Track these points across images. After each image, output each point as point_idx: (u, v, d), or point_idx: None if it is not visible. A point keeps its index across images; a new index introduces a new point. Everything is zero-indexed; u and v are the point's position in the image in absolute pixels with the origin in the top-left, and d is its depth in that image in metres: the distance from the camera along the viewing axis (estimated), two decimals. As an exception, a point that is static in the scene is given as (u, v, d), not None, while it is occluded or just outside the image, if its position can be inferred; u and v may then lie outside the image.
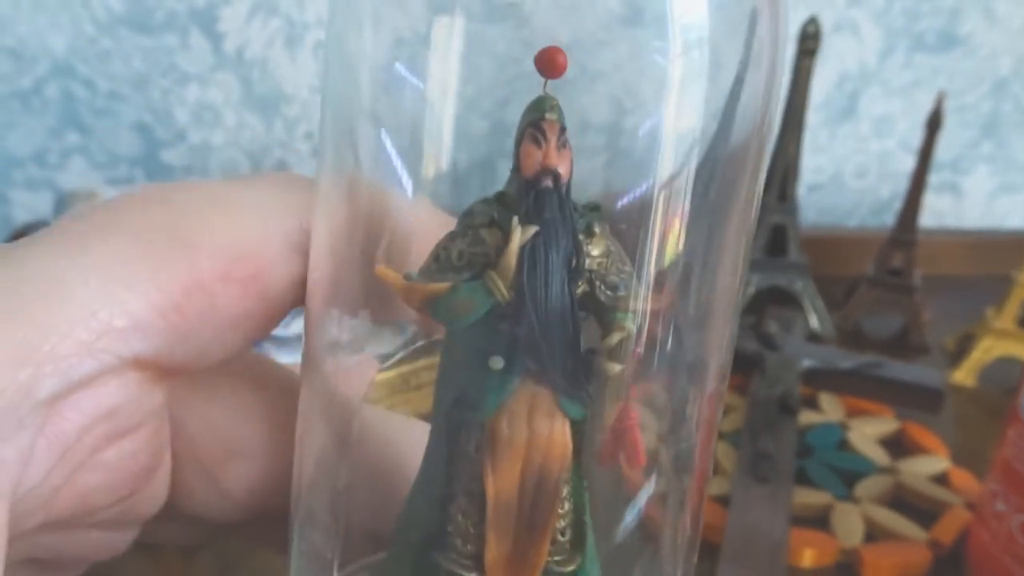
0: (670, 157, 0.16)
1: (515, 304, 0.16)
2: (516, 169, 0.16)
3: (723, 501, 0.53)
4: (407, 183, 0.18)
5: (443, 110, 0.17)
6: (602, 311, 0.17)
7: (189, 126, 0.87)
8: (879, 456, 0.60)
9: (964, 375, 0.72)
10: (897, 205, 0.78)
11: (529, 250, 0.16)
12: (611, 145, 0.17)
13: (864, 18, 0.94)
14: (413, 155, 0.18)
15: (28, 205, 0.87)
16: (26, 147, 0.85)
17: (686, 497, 0.19)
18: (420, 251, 0.17)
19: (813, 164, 0.97)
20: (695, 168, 0.17)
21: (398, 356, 0.20)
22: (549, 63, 0.15)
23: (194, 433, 0.20)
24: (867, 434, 0.62)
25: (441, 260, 0.17)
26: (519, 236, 0.16)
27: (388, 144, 0.18)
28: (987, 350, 0.72)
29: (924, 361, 0.76)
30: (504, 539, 0.17)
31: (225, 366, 0.20)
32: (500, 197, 0.17)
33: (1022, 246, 0.88)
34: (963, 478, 0.58)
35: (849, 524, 0.53)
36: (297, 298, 0.19)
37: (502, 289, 0.16)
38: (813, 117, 0.90)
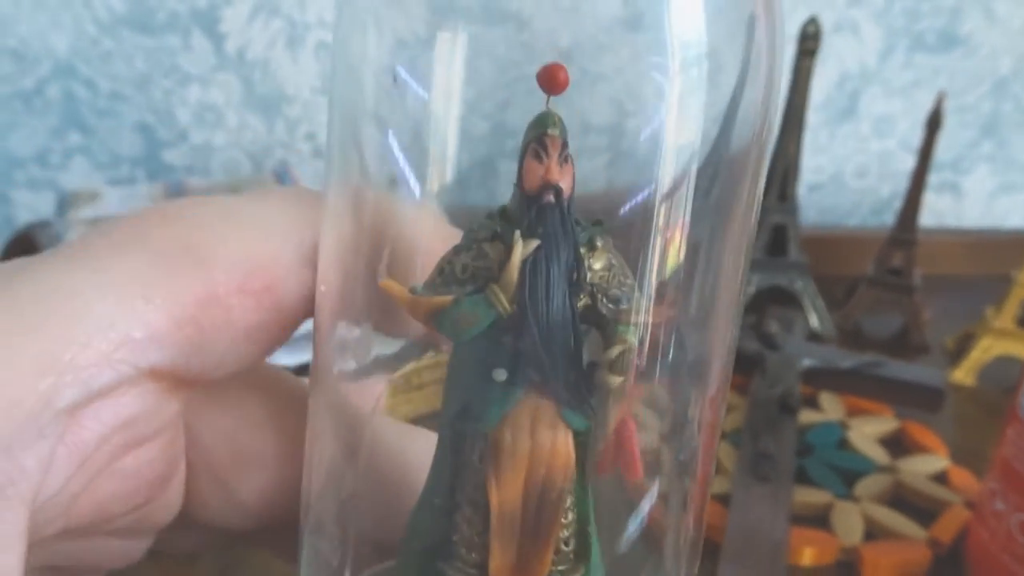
0: (670, 162, 0.17)
1: (517, 317, 0.16)
2: (519, 184, 0.16)
3: (724, 500, 0.53)
4: (411, 186, 0.18)
5: (445, 113, 0.17)
6: (604, 324, 0.17)
7: (191, 126, 0.88)
8: (879, 455, 0.60)
9: (964, 374, 0.72)
10: (897, 205, 0.78)
11: (531, 264, 0.16)
12: (612, 147, 0.18)
13: (864, 18, 0.94)
14: (416, 157, 0.18)
15: (30, 205, 0.87)
16: (28, 147, 0.86)
17: (688, 501, 0.20)
18: (426, 264, 0.17)
19: (813, 164, 0.97)
20: (696, 173, 0.17)
21: (402, 361, 0.20)
22: (551, 80, 0.16)
23: (209, 443, 0.21)
24: (867, 433, 0.62)
25: (445, 273, 0.17)
26: (520, 250, 0.16)
27: (392, 147, 0.18)
28: (986, 349, 0.72)
29: (924, 360, 0.76)
30: (508, 548, 0.17)
31: (239, 377, 0.20)
32: (503, 212, 0.17)
33: (1022, 246, 0.88)
34: (962, 477, 0.58)
35: (849, 523, 0.53)
36: (309, 310, 0.19)
37: (504, 302, 0.16)
38: (813, 117, 0.91)
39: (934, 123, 0.73)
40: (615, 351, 0.17)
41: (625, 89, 0.17)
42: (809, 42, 0.73)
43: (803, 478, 0.57)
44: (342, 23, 0.18)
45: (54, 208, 0.74)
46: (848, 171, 1.01)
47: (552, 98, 0.16)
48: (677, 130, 0.17)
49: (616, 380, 0.17)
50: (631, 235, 0.17)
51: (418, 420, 0.24)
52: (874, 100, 0.98)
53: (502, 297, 0.16)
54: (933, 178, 0.91)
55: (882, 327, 0.81)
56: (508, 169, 0.17)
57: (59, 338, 0.16)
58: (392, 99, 0.17)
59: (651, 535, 0.19)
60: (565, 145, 0.16)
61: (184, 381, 0.19)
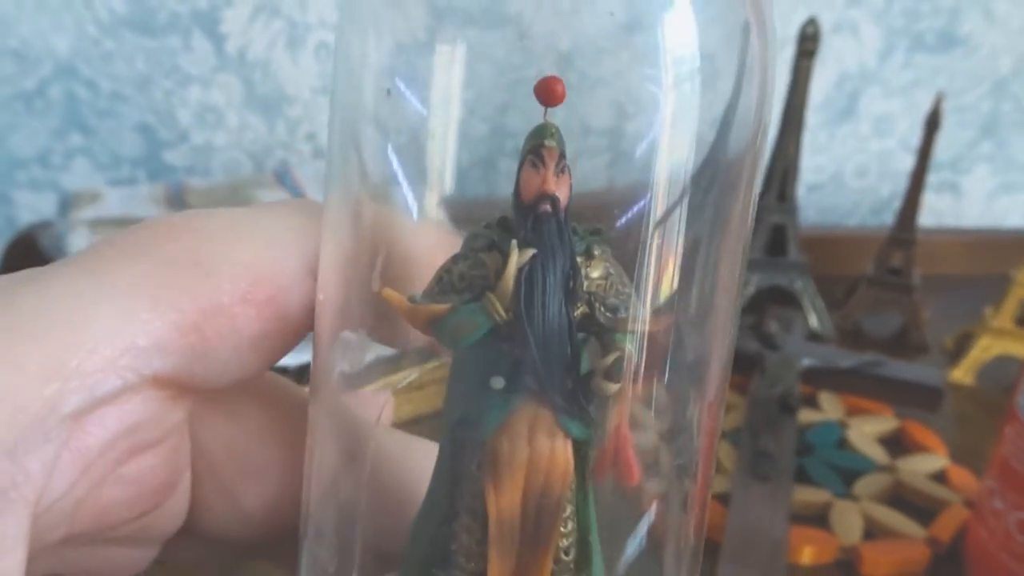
0: (668, 166, 0.17)
1: (513, 325, 0.16)
2: (516, 194, 0.17)
3: (723, 499, 0.53)
4: (412, 191, 0.18)
5: (446, 117, 0.17)
6: (602, 332, 0.17)
7: (191, 127, 0.88)
8: (878, 454, 0.60)
9: (963, 374, 0.72)
10: (897, 205, 0.78)
11: (527, 272, 0.16)
12: (611, 149, 0.18)
13: (864, 18, 0.94)
14: (417, 161, 0.18)
15: (32, 206, 0.87)
16: (30, 148, 0.86)
17: (688, 507, 0.20)
18: (424, 274, 0.18)
19: (813, 164, 0.97)
20: (693, 177, 0.17)
21: (403, 367, 0.20)
22: (548, 92, 0.16)
23: (214, 453, 0.21)
24: (866, 432, 0.62)
25: (443, 282, 0.17)
26: (516, 259, 0.16)
27: (393, 151, 0.18)
28: (986, 349, 0.72)
29: (923, 360, 0.76)
30: (507, 557, 0.17)
31: (245, 387, 0.20)
32: (501, 221, 0.17)
33: (1021, 245, 0.89)
34: (961, 476, 0.58)
35: (848, 522, 0.53)
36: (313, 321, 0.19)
37: (500, 310, 0.16)
38: (813, 117, 0.91)
39: (933, 123, 0.73)
40: (609, 358, 0.17)
41: (624, 93, 0.17)
42: (808, 43, 0.73)
43: (803, 477, 0.57)
44: (344, 27, 0.18)
45: (56, 209, 0.74)
46: (847, 171, 1.01)
47: (551, 124, 0.16)
48: (674, 134, 0.17)
49: (611, 387, 0.17)
50: (628, 240, 0.17)
51: (419, 420, 0.24)
52: (873, 100, 0.98)
53: (498, 305, 0.16)
54: (932, 178, 0.92)
55: (881, 327, 0.81)
56: (509, 169, 0.17)
57: (65, 345, 0.16)
58: (393, 103, 0.18)
59: (651, 542, 0.19)
60: (562, 156, 0.16)
61: (188, 389, 0.19)
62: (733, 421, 0.61)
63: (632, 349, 0.17)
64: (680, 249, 0.17)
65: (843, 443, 0.62)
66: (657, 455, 0.19)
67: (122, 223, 0.58)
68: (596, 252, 0.17)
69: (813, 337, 0.77)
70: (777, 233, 0.79)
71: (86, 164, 0.87)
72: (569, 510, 0.17)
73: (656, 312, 0.17)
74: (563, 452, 0.17)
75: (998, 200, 1.05)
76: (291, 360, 0.21)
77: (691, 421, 0.19)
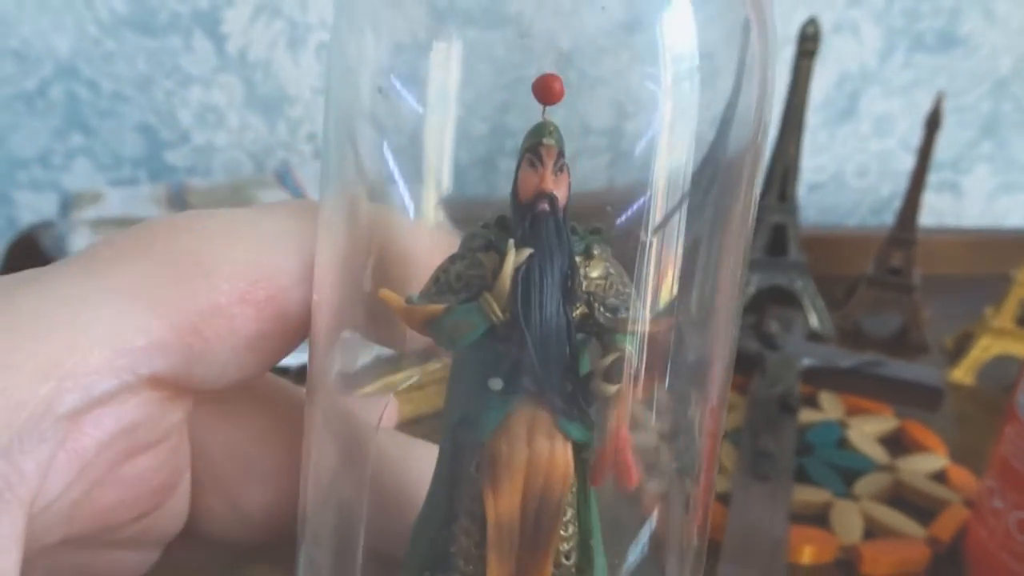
0: (668, 166, 0.17)
1: (510, 325, 0.16)
2: (514, 193, 0.16)
3: (723, 499, 0.53)
4: (411, 190, 0.18)
5: (445, 115, 0.17)
6: (602, 333, 0.17)
7: (192, 127, 0.88)
8: (878, 454, 0.60)
9: (963, 373, 0.72)
10: (897, 204, 0.78)
11: (524, 272, 0.16)
12: (611, 148, 0.18)
13: (864, 18, 0.94)
14: (413, 160, 0.18)
15: (33, 206, 0.87)
16: (31, 148, 0.86)
17: (691, 509, 0.19)
18: (423, 274, 0.17)
19: (813, 164, 0.97)
20: (693, 176, 0.17)
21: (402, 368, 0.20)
22: (546, 90, 0.16)
23: (215, 455, 0.21)
24: (866, 432, 0.62)
25: (441, 282, 0.17)
26: (513, 258, 0.16)
27: (391, 150, 0.18)
28: (986, 348, 0.72)
29: (923, 360, 0.76)
30: (505, 561, 0.17)
31: (245, 389, 0.20)
32: (500, 221, 0.17)
33: (1021, 245, 0.89)
34: (961, 475, 0.58)
35: (848, 521, 0.53)
36: None
37: (496, 311, 0.16)
38: (813, 117, 0.91)
39: (933, 123, 0.73)
40: (608, 359, 0.17)
41: (624, 92, 0.17)
42: (808, 43, 0.73)
43: (803, 477, 0.57)
44: (339, 25, 0.18)
45: (57, 209, 0.74)
46: (848, 171, 1.01)
47: (549, 123, 0.16)
48: (674, 133, 0.17)
49: (610, 389, 0.17)
50: (628, 240, 0.17)
51: (419, 419, 0.24)
52: (874, 100, 0.98)
53: (494, 306, 0.16)
54: (933, 178, 0.92)
55: (882, 326, 0.81)
56: (509, 169, 0.17)
57: (61, 344, 0.16)
58: (392, 102, 0.18)
59: (655, 546, 0.19)
60: (561, 154, 0.16)
61: (186, 389, 0.19)
62: (733, 421, 0.61)
63: (632, 350, 0.17)
64: (680, 249, 0.17)
65: (843, 443, 0.62)
66: (658, 457, 0.19)
67: (123, 223, 0.58)
68: (596, 252, 0.17)
69: (813, 337, 0.77)
70: (777, 233, 0.79)
71: (87, 164, 0.87)
72: (570, 513, 0.17)
73: (656, 312, 0.17)
74: (563, 454, 0.17)
75: (998, 200, 1.05)
76: (292, 361, 0.21)
77: (693, 423, 0.19)
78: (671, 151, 0.17)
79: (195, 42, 0.85)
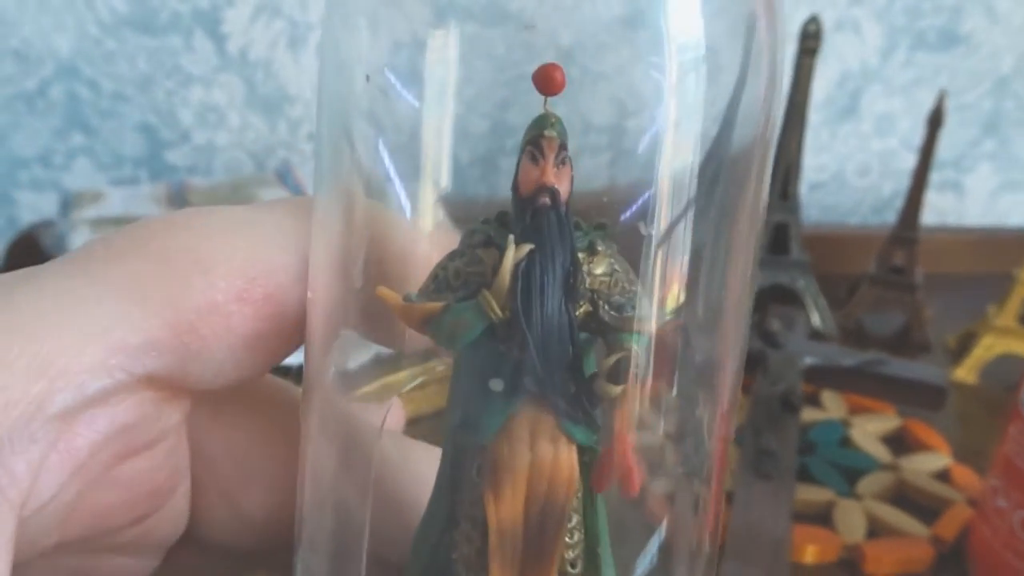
0: (672, 161, 0.16)
1: (511, 324, 0.15)
2: (515, 187, 0.16)
3: (726, 498, 0.53)
4: (410, 188, 0.18)
5: (444, 112, 0.17)
6: (607, 331, 0.16)
7: (193, 127, 0.88)
8: (881, 453, 0.60)
9: (965, 372, 0.72)
10: (899, 203, 0.78)
11: (524, 269, 0.15)
12: (613, 145, 0.17)
13: (865, 16, 0.94)
14: (413, 158, 0.17)
15: (33, 206, 0.87)
16: (31, 148, 0.86)
17: (701, 514, 0.19)
18: (422, 272, 0.17)
19: (815, 162, 0.97)
20: (698, 171, 0.16)
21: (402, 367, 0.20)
22: (547, 80, 0.15)
23: (215, 457, 0.21)
24: (869, 431, 0.62)
25: (439, 280, 0.17)
26: (512, 254, 0.15)
27: (389, 148, 0.18)
28: (988, 347, 0.72)
29: (926, 358, 0.76)
30: (507, 568, 0.16)
31: (245, 390, 0.20)
32: (500, 217, 0.16)
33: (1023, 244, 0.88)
34: (964, 475, 0.58)
35: (851, 520, 0.53)
36: None
37: (495, 308, 0.15)
38: (815, 116, 0.91)
39: (935, 121, 0.73)
40: (612, 359, 0.16)
41: (627, 88, 0.17)
42: (810, 41, 0.73)
43: (805, 476, 0.57)
44: (333, 22, 0.18)
45: (57, 208, 0.74)
46: (850, 170, 1.01)
47: (551, 114, 0.16)
48: (678, 128, 0.16)
49: (614, 390, 0.16)
50: (633, 237, 0.16)
51: (419, 419, 0.24)
52: (875, 99, 0.98)
53: (493, 303, 0.15)
54: (935, 176, 0.91)
55: (884, 325, 0.81)
56: (510, 167, 0.16)
57: (53, 343, 0.16)
58: (390, 99, 0.17)
59: (665, 552, 0.19)
60: (563, 147, 0.16)
61: (183, 390, 0.18)
62: (736, 419, 0.61)
63: (638, 350, 0.16)
64: (688, 246, 0.17)
65: (846, 442, 0.61)
66: (667, 462, 0.18)
67: (123, 222, 0.58)
68: (600, 248, 0.16)
69: (815, 336, 0.76)
70: (779, 232, 0.79)
71: (88, 164, 0.87)
72: (576, 520, 0.17)
73: (664, 314, 0.17)
74: (567, 458, 0.16)
75: (1001, 198, 1.05)
76: (293, 361, 0.21)
77: (701, 426, 0.18)
78: (676, 146, 0.16)
79: (196, 42, 0.85)
